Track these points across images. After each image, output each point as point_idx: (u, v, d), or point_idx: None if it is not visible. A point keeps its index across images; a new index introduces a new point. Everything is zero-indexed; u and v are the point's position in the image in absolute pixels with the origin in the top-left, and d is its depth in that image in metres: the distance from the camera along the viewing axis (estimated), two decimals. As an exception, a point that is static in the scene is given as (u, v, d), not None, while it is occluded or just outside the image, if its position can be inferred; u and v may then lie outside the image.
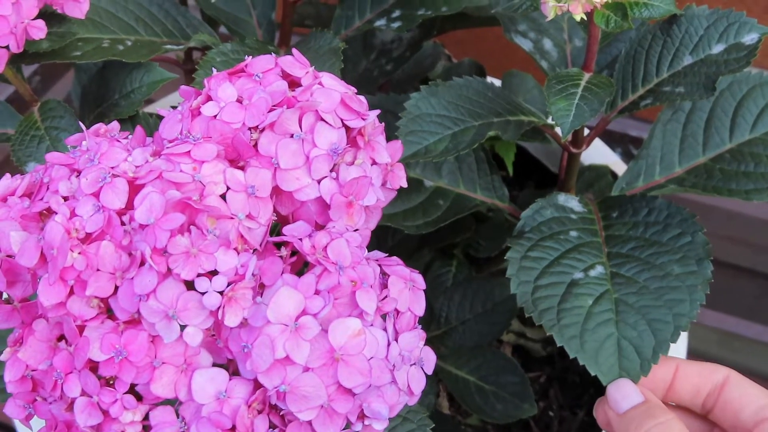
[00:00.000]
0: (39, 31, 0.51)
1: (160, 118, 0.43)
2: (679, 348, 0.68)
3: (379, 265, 0.43)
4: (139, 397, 0.39)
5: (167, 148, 0.40)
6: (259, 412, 0.39)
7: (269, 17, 0.74)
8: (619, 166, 0.89)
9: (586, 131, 0.66)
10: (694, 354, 0.80)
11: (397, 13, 0.66)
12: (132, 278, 0.37)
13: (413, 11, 0.65)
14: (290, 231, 0.41)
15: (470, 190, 0.72)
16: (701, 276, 0.55)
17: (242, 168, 0.40)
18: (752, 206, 1.05)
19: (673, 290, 0.55)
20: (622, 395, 0.50)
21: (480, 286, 0.67)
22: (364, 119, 0.44)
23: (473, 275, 0.76)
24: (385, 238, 0.73)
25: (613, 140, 1.13)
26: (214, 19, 0.75)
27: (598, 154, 0.89)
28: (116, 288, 0.38)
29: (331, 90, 0.43)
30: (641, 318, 0.53)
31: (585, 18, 0.53)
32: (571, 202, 0.64)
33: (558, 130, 0.64)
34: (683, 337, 0.52)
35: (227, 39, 0.73)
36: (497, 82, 0.92)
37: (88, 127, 0.64)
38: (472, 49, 1.11)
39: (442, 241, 0.73)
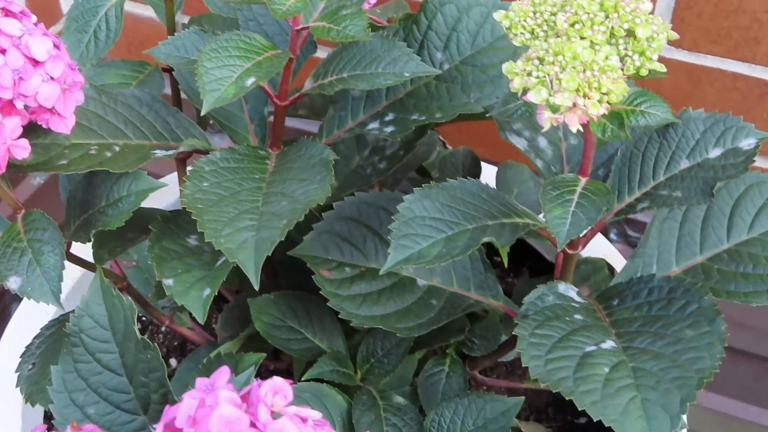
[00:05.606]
0: (23, 150, 0.50)
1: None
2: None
3: None
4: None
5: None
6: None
7: (261, 112, 0.73)
8: (615, 258, 0.88)
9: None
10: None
11: (390, 117, 0.65)
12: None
13: (407, 116, 0.64)
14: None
15: (464, 289, 0.70)
16: (716, 333, 0.55)
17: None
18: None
19: (690, 350, 0.55)
20: None
21: (472, 402, 0.65)
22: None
23: (466, 376, 0.74)
24: (375, 342, 0.72)
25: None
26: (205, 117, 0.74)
27: (593, 244, 0.87)
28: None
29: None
30: (662, 378, 0.53)
31: (581, 129, 0.52)
32: (570, 292, 0.63)
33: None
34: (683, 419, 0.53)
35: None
36: (493, 170, 0.91)
37: (71, 235, 0.62)
38: (467, 133, 1.11)
39: (434, 344, 0.72)
